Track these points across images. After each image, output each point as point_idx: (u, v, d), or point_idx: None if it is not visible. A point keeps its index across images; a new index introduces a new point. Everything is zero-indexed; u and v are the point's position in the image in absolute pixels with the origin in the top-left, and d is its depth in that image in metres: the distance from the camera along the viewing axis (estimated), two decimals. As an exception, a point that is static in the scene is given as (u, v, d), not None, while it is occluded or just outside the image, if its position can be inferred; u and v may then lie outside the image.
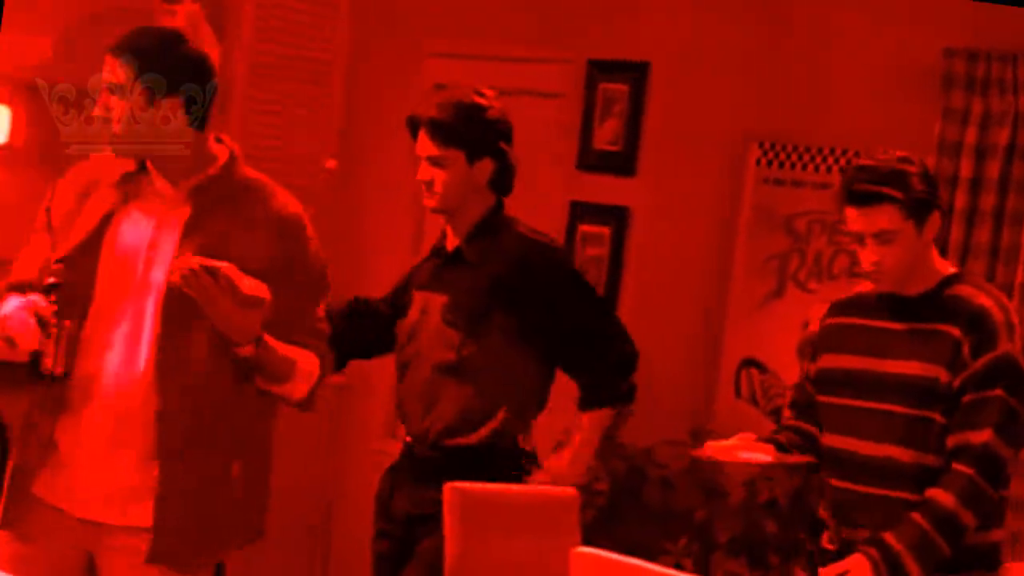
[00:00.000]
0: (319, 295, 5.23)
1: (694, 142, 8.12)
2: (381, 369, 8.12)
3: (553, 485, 5.80)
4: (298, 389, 5.17)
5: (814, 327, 5.61)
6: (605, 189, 8.09)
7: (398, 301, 6.10)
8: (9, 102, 8.88)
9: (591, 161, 8.20)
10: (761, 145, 7.98)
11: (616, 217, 7.97)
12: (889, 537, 5.04)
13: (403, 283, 6.17)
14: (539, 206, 8.14)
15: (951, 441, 5.09)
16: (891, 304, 5.27)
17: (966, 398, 5.07)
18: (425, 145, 5.78)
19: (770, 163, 7.94)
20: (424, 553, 5.77)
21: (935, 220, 5.18)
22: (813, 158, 7.76)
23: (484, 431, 5.80)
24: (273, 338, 4.99)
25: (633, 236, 8.04)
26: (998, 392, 5.07)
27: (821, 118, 7.76)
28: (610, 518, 7.27)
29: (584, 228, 8.11)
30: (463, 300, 5.82)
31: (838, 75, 7.74)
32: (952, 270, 5.33)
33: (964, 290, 5.20)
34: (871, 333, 5.28)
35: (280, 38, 6.93)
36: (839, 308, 5.46)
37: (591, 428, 5.90)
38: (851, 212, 5.13)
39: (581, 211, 8.17)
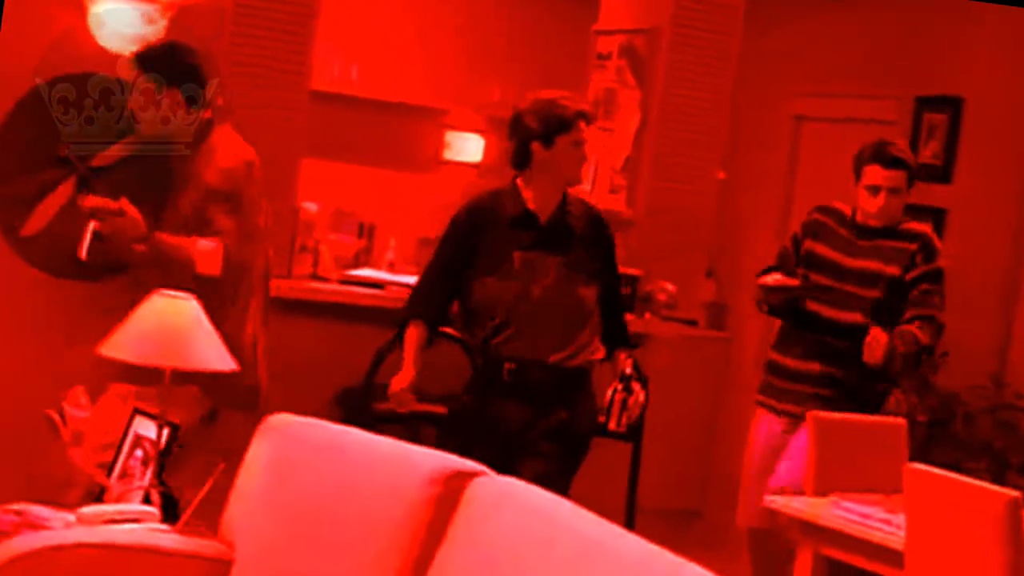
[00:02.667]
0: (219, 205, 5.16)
1: (997, 156, 8.01)
2: (753, 325, 8.17)
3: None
4: (206, 267, 5.11)
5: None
6: (927, 194, 7.98)
7: (488, 265, 5.55)
8: (483, 132, 9.07)
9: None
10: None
11: (936, 215, 7.86)
12: (896, 340, 5.57)
13: (485, 252, 5.57)
14: (876, 207, 8.08)
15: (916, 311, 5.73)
16: (862, 227, 5.84)
17: (923, 287, 5.75)
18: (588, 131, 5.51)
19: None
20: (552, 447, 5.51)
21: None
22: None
23: (583, 358, 5.54)
24: (170, 236, 5.13)
25: (949, 228, 7.93)
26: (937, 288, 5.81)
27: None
28: (927, 443, 7.19)
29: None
30: (579, 256, 5.50)
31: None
32: None
33: (912, 224, 5.90)
34: (846, 241, 5.84)
35: (685, 83, 6.95)
36: (824, 211, 6.00)
37: (623, 363, 5.60)
38: (876, 169, 5.77)
39: (909, 210, 8.06)
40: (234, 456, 4.44)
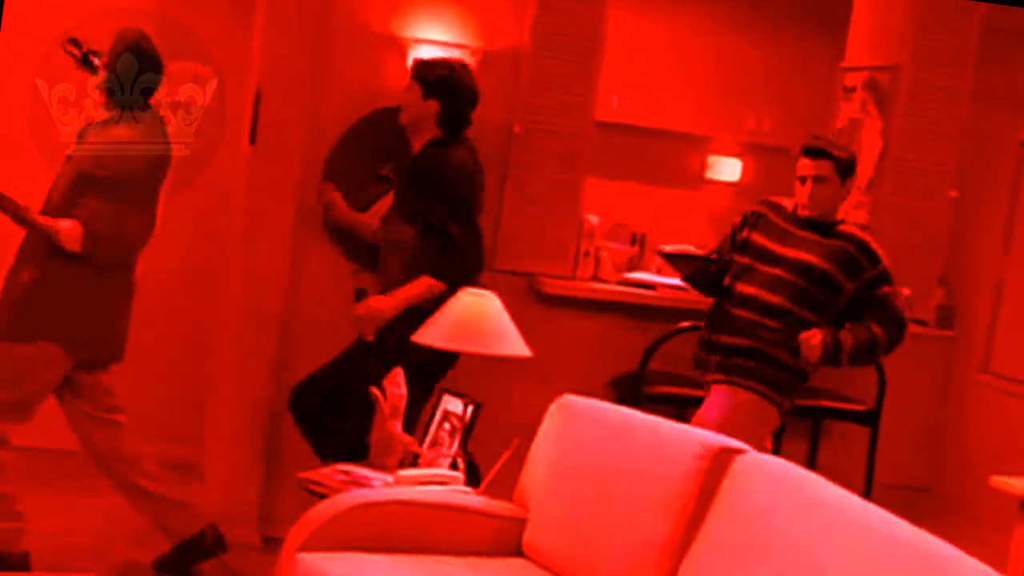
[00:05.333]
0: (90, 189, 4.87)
1: None
2: (977, 325, 7.91)
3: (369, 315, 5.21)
4: (69, 244, 4.85)
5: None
6: None
7: None
8: (740, 156, 8.98)
9: None
10: None
11: None
12: (846, 339, 5.23)
13: None
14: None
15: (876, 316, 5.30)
16: (803, 221, 5.34)
17: (883, 288, 5.32)
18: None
19: None
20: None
21: (851, 184, 5.35)
22: None
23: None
24: (40, 216, 4.87)
25: None
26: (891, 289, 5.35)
27: None
28: None
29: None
30: (404, 197, 5.35)
31: None
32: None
33: (849, 228, 5.37)
34: (782, 231, 5.35)
35: (923, 113, 6.78)
36: (768, 205, 5.49)
37: (417, 286, 5.19)
38: (804, 160, 5.28)
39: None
40: (527, 431, 4.45)
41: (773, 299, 5.32)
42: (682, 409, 6.00)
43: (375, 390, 5.03)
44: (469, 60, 6.09)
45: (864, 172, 6.98)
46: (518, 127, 6.19)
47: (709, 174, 9.09)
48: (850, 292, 5.32)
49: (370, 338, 5.19)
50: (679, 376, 6.06)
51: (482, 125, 6.18)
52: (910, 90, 6.76)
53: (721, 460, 3.68)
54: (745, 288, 5.38)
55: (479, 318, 4.74)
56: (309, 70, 5.80)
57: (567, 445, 4.17)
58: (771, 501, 3.45)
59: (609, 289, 6.41)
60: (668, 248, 5.62)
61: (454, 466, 4.75)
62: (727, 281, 5.45)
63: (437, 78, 5.35)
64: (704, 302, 6.26)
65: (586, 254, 6.39)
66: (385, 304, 5.19)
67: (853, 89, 7.13)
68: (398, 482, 4.52)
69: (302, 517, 4.09)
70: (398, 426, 5.03)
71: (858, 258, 5.32)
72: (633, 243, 7.68)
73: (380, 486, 4.58)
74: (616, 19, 6.46)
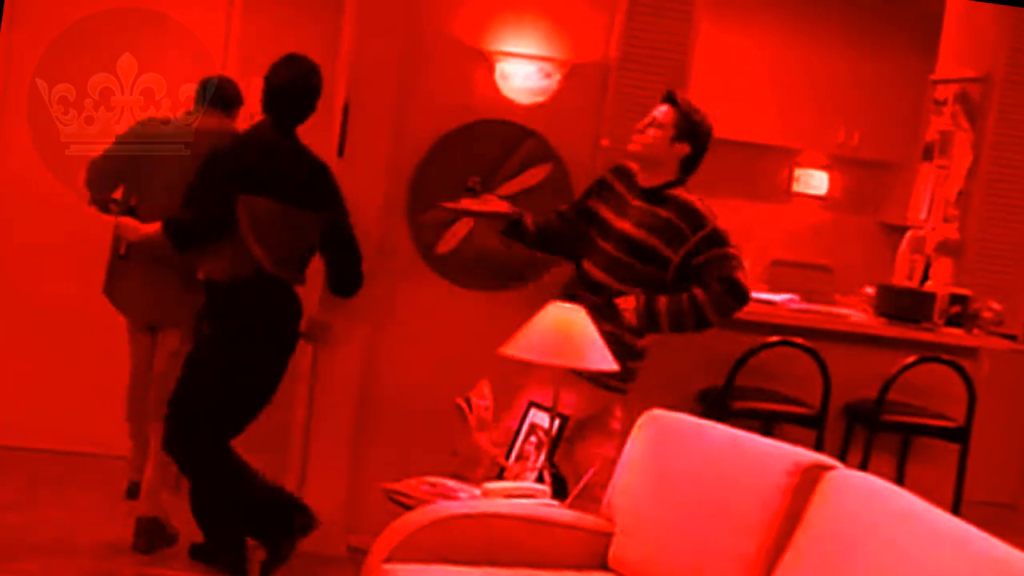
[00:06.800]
0: None
1: None
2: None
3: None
4: None
5: None
6: None
7: None
8: (828, 168, 8.92)
9: None
10: None
11: None
12: (661, 299, 5.05)
13: None
14: None
15: (704, 281, 5.04)
16: (640, 189, 5.17)
17: (697, 260, 5.06)
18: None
19: None
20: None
21: (683, 148, 5.09)
22: None
23: None
24: None
25: None
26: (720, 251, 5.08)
27: None
28: None
29: None
30: None
31: None
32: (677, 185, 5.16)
33: (679, 191, 5.12)
34: (620, 200, 5.19)
35: (1015, 125, 6.72)
36: (617, 172, 5.31)
37: (154, 226, 5.07)
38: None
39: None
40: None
41: (598, 275, 5.16)
42: (769, 424, 5.94)
43: (461, 401, 5.01)
44: (556, 73, 6.06)
45: (955, 184, 6.89)
46: (606, 140, 6.15)
47: (796, 187, 9.04)
48: (676, 261, 5.09)
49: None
50: (766, 391, 6.00)
51: (570, 139, 6.16)
52: (1002, 102, 6.68)
53: (811, 475, 3.62)
54: (586, 263, 5.22)
55: (566, 331, 4.70)
56: (397, 83, 5.80)
57: (654, 459, 4.13)
58: (861, 517, 3.38)
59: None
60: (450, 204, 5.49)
61: (540, 479, 4.72)
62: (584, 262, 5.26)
63: (269, 85, 5.20)
64: (799, 317, 6.19)
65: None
66: (139, 227, 5.12)
67: (944, 102, 7.05)
68: (484, 495, 4.50)
69: (388, 528, 4.08)
70: (484, 439, 5.01)
71: (680, 226, 5.07)
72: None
73: (466, 498, 4.56)
74: (705, 32, 6.41)
